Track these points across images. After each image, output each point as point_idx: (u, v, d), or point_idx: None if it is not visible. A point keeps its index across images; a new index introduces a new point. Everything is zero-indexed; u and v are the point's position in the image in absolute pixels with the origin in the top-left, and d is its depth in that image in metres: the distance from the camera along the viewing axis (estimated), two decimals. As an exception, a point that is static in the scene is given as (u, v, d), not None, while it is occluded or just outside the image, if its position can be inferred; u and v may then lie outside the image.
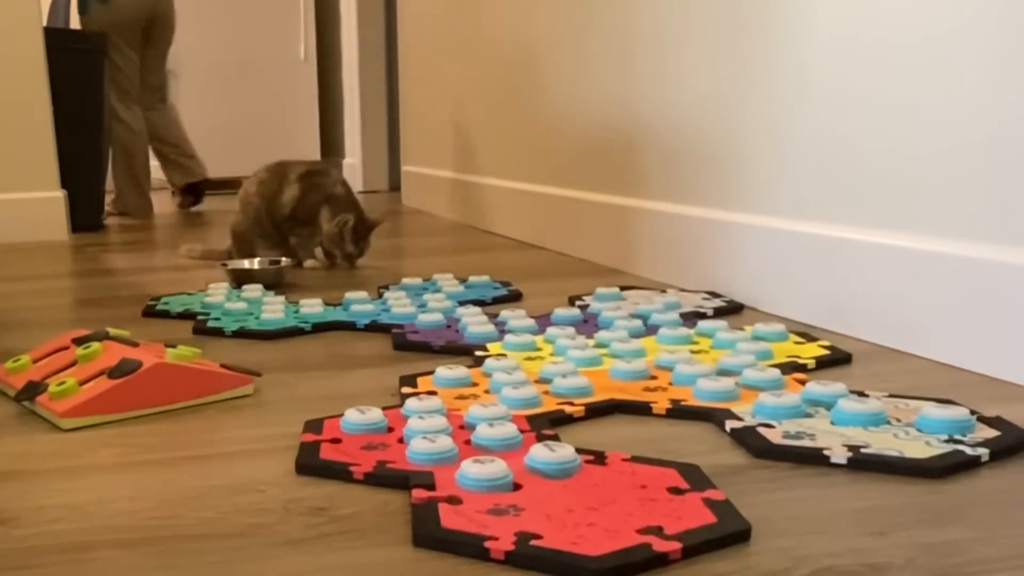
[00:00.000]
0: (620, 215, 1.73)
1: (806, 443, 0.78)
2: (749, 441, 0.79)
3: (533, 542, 0.60)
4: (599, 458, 0.75)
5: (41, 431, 0.89)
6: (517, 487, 0.69)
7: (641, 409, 0.90)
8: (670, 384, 0.96)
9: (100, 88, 2.73)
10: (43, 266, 2.07)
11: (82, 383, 0.92)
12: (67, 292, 1.76)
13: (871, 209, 1.15)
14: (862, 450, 0.75)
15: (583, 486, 0.69)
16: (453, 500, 0.67)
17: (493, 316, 1.29)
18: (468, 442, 0.79)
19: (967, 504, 0.67)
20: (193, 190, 3.34)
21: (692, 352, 1.09)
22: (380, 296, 1.51)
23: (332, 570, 0.60)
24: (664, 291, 1.47)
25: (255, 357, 1.14)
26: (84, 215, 2.64)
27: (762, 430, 0.81)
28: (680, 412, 0.89)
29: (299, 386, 1.02)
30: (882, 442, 0.77)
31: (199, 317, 1.36)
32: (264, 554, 0.62)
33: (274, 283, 1.63)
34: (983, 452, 0.75)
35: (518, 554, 0.59)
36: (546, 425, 0.84)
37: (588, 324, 1.26)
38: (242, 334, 1.27)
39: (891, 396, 0.90)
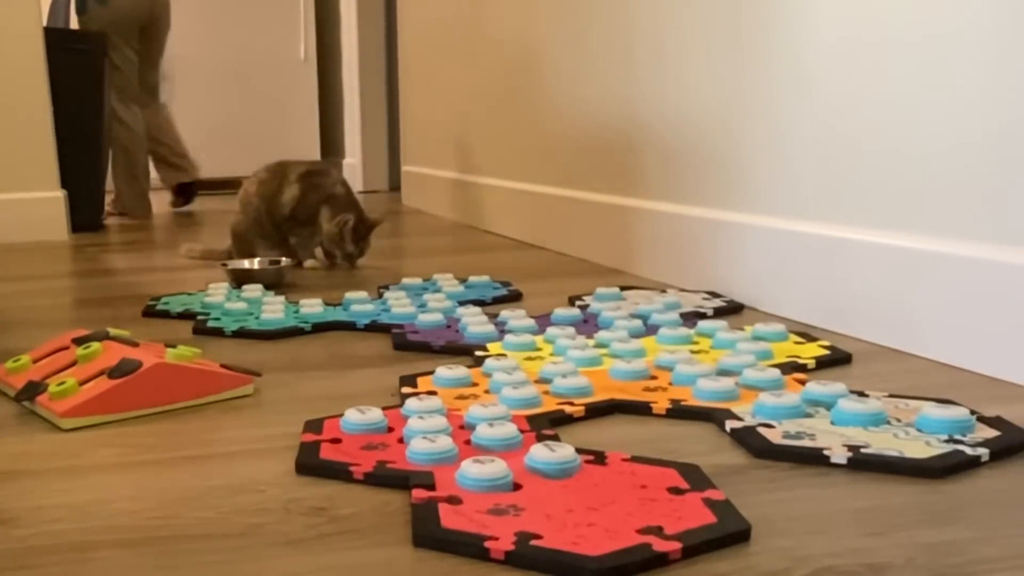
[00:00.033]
0: (620, 215, 1.73)
1: (806, 443, 0.78)
2: (749, 441, 0.79)
3: (533, 542, 0.60)
4: (599, 458, 0.75)
5: (41, 431, 0.89)
6: (517, 487, 0.69)
7: (641, 409, 0.90)
8: (670, 384, 0.96)
9: (100, 88, 2.73)
10: (43, 266, 2.07)
11: (82, 383, 0.92)
12: (67, 292, 1.76)
13: (871, 209, 1.15)
14: (862, 450, 0.75)
15: (583, 486, 0.69)
16: (453, 500, 0.67)
17: (493, 316, 1.29)
18: (468, 442, 0.79)
19: (967, 504, 0.67)
20: (184, 190, 3.34)
21: (692, 352, 1.09)
22: (380, 296, 1.51)
23: (332, 570, 0.60)
24: (664, 291, 1.47)
25: (255, 357, 1.14)
26: (84, 215, 2.64)
27: (762, 430, 0.81)
28: (680, 412, 0.89)
29: (299, 386, 1.02)
30: (882, 442, 0.77)
31: (199, 317, 1.36)
32: (264, 554, 0.62)
33: (274, 283, 1.63)
34: (983, 452, 0.75)
35: (518, 554, 0.59)
36: (546, 425, 0.84)
37: (588, 324, 1.26)
38: (242, 334, 1.27)
39: (891, 396, 0.90)
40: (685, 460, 0.74)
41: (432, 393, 0.93)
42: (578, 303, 1.40)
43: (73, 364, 0.97)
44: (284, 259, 1.74)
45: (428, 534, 0.62)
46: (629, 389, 0.95)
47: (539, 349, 1.13)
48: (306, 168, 1.87)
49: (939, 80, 1.05)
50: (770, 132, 1.33)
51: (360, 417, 0.83)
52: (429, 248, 2.29)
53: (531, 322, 1.23)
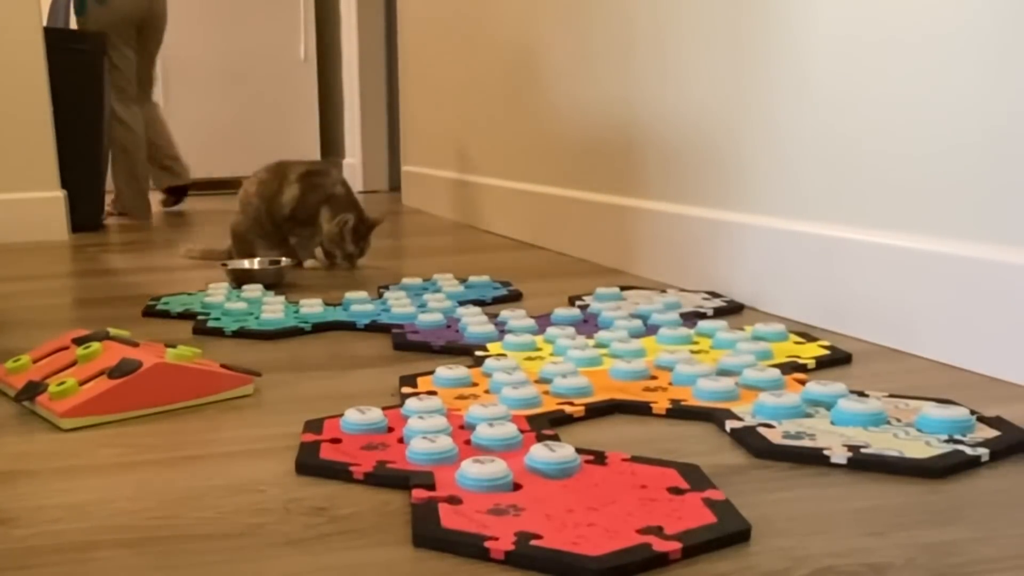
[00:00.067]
0: (620, 215, 1.73)
1: (806, 443, 0.78)
2: (749, 441, 0.79)
3: (533, 542, 0.60)
4: (599, 458, 0.75)
5: (41, 431, 0.89)
6: (517, 487, 0.69)
7: (641, 409, 0.90)
8: (670, 384, 0.96)
9: (100, 88, 2.73)
10: (43, 266, 2.07)
11: (82, 383, 0.92)
12: (67, 292, 1.76)
13: (871, 209, 1.15)
14: (862, 450, 0.75)
15: (583, 486, 0.69)
16: (453, 500, 0.67)
17: (493, 316, 1.29)
18: (468, 442, 0.79)
19: (967, 504, 0.67)
20: (175, 190, 3.34)
21: (692, 352, 1.09)
22: (380, 296, 1.51)
23: (332, 570, 0.60)
24: (664, 291, 1.47)
25: (255, 357, 1.14)
26: (84, 215, 2.64)
27: (762, 430, 0.81)
28: (680, 412, 0.89)
29: (299, 386, 1.02)
30: (882, 442, 0.77)
31: (199, 317, 1.36)
32: (264, 554, 0.62)
33: (274, 283, 1.63)
34: (983, 452, 0.75)
35: (518, 554, 0.59)
36: (546, 425, 0.84)
37: (588, 324, 1.26)
38: (242, 334, 1.27)
39: (891, 396, 0.90)
40: (685, 460, 0.74)
41: (432, 393, 0.93)
42: (578, 303, 1.40)
43: (73, 364, 0.97)
44: (284, 259, 1.74)
45: (428, 534, 0.62)
46: (629, 389, 0.95)
47: (539, 349, 1.13)
48: (306, 168, 1.87)
49: (939, 80, 1.05)
50: (770, 132, 1.33)
51: (360, 417, 0.83)
52: (429, 248, 2.29)
53: (531, 322, 1.23)
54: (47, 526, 0.67)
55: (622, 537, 0.60)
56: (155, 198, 3.36)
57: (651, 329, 1.20)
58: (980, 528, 0.63)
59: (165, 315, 1.40)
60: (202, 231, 2.72)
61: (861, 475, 0.73)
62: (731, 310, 1.34)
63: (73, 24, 3.08)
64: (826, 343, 1.12)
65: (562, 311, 1.29)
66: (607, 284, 1.53)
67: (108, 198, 2.96)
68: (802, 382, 0.94)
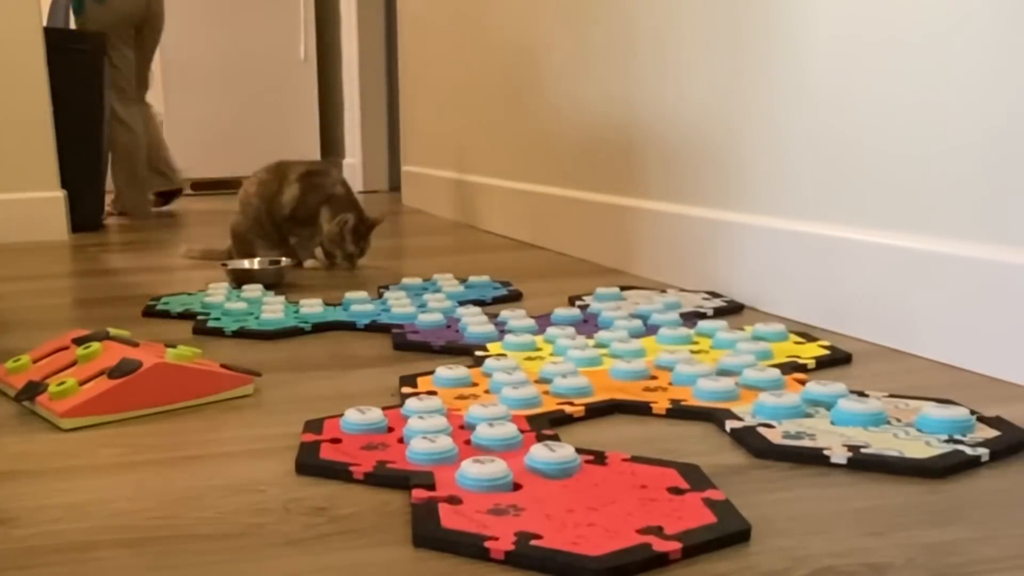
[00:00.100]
0: (620, 215, 1.73)
1: (806, 443, 0.78)
2: (749, 441, 0.79)
3: (533, 542, 0.60)
4: (599, 458, 0.75)
5: (41, 431, 0.89)
6: (517, 487, 0.69)
7: (641, 409, 0.90)
8: (670, 384, 0.96)
9: (100, 88, 2.73)
10: (43, 266, 2.07)
11: (82, 383, 0.92)
12: (67, 292, 1.76)
13: (871, 209, 1.15)
14: (862, 450, 0.75)
15: (583, 486, 0.69)
16: (453, 500, 0.67)
17: (493, 316, 1.29)
18: (468, 442, 0.79)
19: (967, 504, 0.67)
20: (165, 194, 3.34)
21: (692, 352, 1.09)
22: (380, 296, 1.51)
23: (332, 570, 0.60)
24: (664, 291, 1.47)
25: (255, 357, 1.14)
26: (84, 215, 2.64)
27: (762, 430, 0.81)
28: (680, 412, 0.89)
29: (299, 386, 1.02)
30: (882, 442, 0.77)
31: (199, 317, 1.36)
32: (264, 554, 0.62)
33: (274, 283, 1.63)
34: (983, 452, 0.75)
35: (518, 554, 0.59)
36: (546, 425, 0.84)
37: (588, 324, 1.26)
38: (242, 334, 1.27)
39: (891, 396, 0.90)
40: (685, 460, 0.74)
41: (432, 393, 0.93)
42: (578, 303, 1.40)
43: (73, 364, 0.97)
44: (284, 259, 1.74)
45: (428, 534, 0.62)
46: (629, 389, 0.95)
47: (539, 349, 1.13)
48: (306, 168, 1.87)
49: (939, 80, 1.05)
50: (770, 132, 1.33)
51: (360, 417, 0.83)
52: (429, 248, 2.29)
53: (531, 322, 1.23)
54: (47, 526, 0.67)
55: (622, 537, 0.60)
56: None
57: (651, 329, 1.20)
58: (980, 528, 0.63)
59: (165, 315, 1.41)
60: (202, 231, 2.72)
61: (861, 475, 0.73)
62: (731, 310, 1.34)
63: (73, 24, 3.08)
64: (826, 343, 1.12)
65: (562, 311, 1.29)
66: (607, 284, 1.53)
67: (108, 198, 2.96)
68: (802, 382, 0.94)
